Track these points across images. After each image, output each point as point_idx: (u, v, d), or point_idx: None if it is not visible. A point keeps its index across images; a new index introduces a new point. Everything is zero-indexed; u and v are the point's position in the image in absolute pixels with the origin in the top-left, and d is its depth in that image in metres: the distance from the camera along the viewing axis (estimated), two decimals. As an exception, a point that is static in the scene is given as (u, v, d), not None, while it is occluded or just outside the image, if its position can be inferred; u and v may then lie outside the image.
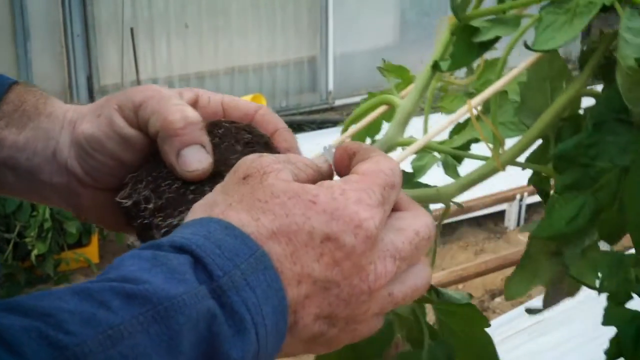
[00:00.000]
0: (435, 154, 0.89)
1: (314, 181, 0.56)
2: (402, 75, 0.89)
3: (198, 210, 0.54)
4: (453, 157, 0.84)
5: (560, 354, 2.94)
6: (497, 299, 4.01)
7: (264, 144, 0.64)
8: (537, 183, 0.75)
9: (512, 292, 0.76)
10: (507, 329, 3.34)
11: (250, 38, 6.06)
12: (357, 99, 5.59)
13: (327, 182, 0.54)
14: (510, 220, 4.55)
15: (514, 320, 3.32)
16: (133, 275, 0.46)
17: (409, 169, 0.85)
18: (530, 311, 0.82)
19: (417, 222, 0.56)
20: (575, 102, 0.71)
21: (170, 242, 0.49)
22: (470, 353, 0.75)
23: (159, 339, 0.44)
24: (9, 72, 5.07)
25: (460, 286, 3.96)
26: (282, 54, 6.19)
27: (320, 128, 5.86)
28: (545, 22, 0.66)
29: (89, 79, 5.54)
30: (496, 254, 3.86)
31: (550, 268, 0.75)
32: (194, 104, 0.66)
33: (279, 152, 0.61)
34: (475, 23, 0.71)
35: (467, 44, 0.71)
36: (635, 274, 0.70)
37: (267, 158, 0.54)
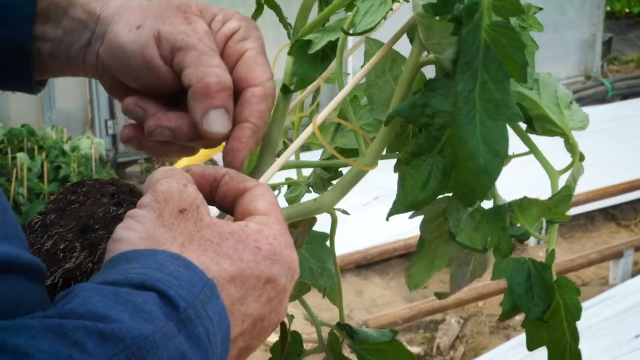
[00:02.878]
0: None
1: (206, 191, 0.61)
2: None
3: (138, 243, 0.54)
4: (326, 170, 0.84)
5: (582, 372, 2.91)
6: (518, 317, 3.98)
7: (129, 191, 0.66)
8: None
9: (414, 281, 0.77)
10: (528, 347, 3.30)
11: (271, 53, 6.08)
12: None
13: (255, 227, 0.57)
14: (531, 238, 4.52)
15: (535, 338, 3.29)
16: (102, 312, 0.46)
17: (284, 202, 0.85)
18: (440, 295, 0.81)
19: (294, 265, 0.61)
20: (420, 77, 0.70)
21: (127, 280, 0.49)
22: None
23: None
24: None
25: (480, 303, 3.94)
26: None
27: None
28: (362, 10, 0.69)
29: (110, 94, 5.58)
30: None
31: (448, 250, 0.76)
32: (227, 37, 0.68)
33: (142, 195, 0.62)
34: (308, 37, 0.72)
35: (307, 59, 0.72)
36: (510, 220, 0.71)
37: (191, 189, 0.57)
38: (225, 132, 0.65)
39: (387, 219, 0.69)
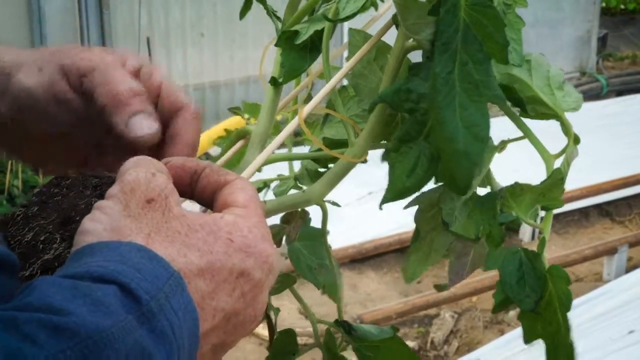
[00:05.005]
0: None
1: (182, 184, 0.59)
2: (256, 113, 0.87)
3: (103, 234, 0.52)
4: (316, 162, 0.82)
5: (575, 368, 2.91)
6: (512, 312, 3.99)
7: (112, 183, 0.65)
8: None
9: (410, 274, 0.75)
10: (522, 342, 3.30)
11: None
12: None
13: (230, 218, 0.56)
14: (525, 233, 4.53)
15: (528, 333, 3.29)
16: (59, 305, 0.44)
17: (271, 195, 0.83)
18: (439, 287, 0.80)
19: (274, 262, 0.60)
20: (407, 64, 0.68)
21: (88, 273, 0.48)
22: None
23: None
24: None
25: (474, 298, 3.94)
26: (298, 63, 6.20)
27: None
28: None
29: (105, 87, 5.56)
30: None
31: (444, 241, 0.74)
32: (136, 73, 0.67)
33: None
34: (294, 28, 0.71)
35: (295, 50, 0.71)
36: (500, 207, 0.68)
37: (160, 179, 0.55)
38: (153, 133, 0.64)
39: (380, 208, 0.68)
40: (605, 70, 8.01)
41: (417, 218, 0.73)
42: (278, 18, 0.76)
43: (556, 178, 0.68)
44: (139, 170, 0.55)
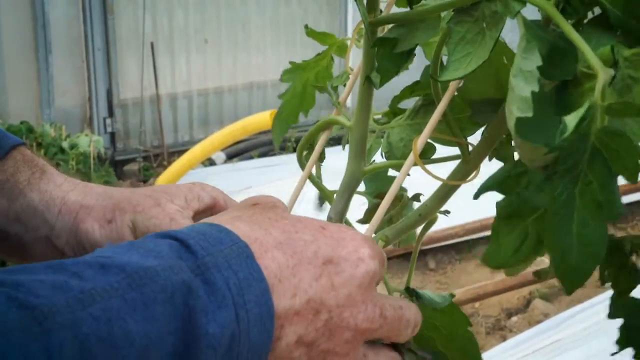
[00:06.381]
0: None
1: None
2: (327, 41, 0.84)
3: None
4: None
5: (578, 373, 2.91)
6: (514, 318, 3.99)
7: None
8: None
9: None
10: (524, 348, 3.31)
11: (269, 54, 6.09)
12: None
13: (334, 224, 0.56)
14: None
15: (531, 339, 3.29)
16: (108, 254, 0.46)
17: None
18: (538, 274, 0.79)
19: (403, 301, 0.59)
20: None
21: (154, 234, 0.50)
22: (454, 348, 0.73)
23: (134, 305, 0.44)
24: (31, 86, 5.12)
25: (476, 304, 3.94)
26: (301, 69, 6.21)
27: (338, 144, 5.86)
28: (457, 36, 0.58)
29: (109, 92, 5.59)
30: (513, 273, 3.83)
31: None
32: (212, 208, 0.70)
33: None
34: (392, 33, 0.67)
35: (391, 55, 0.68)
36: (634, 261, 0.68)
37: (274, 198, 0.59)
38: None
39: (489, 265, 0.66)
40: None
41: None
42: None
43: None
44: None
